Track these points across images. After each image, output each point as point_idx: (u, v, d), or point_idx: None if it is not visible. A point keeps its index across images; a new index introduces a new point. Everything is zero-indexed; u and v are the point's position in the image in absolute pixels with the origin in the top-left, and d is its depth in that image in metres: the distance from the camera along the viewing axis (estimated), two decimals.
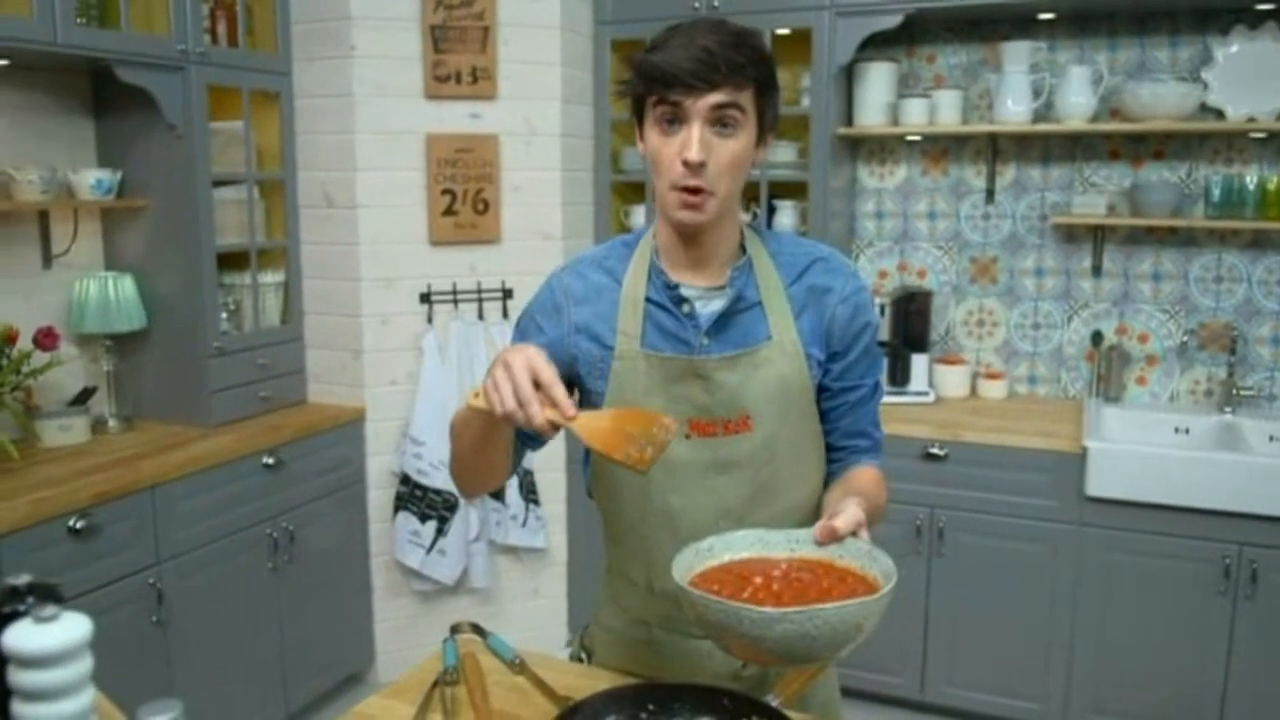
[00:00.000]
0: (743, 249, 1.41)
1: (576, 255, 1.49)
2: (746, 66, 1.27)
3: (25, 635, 0.75)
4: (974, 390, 3.50)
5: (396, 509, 3.29)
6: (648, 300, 1.39)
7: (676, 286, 1.38)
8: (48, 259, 2.91)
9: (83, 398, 2.89)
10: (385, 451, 3.33)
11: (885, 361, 1.45)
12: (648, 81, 1.29)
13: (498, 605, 3.46)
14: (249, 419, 3.10)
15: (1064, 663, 2.99)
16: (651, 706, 1.26)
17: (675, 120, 1.28)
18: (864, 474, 1.41)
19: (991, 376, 3.49)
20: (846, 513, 1.18)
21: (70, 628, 0.76)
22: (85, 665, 0.77)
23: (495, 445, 1.33)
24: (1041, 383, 3.52)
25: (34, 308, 2.86)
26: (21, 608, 0.79)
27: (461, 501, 3.27)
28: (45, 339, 2.63)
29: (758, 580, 1.16)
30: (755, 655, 1.09)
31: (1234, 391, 3.19)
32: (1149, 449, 2.87)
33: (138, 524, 2.55)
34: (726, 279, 1.38)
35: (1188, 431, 3.19)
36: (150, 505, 2.58)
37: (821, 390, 1.42)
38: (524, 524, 3.39)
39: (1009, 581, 3.02)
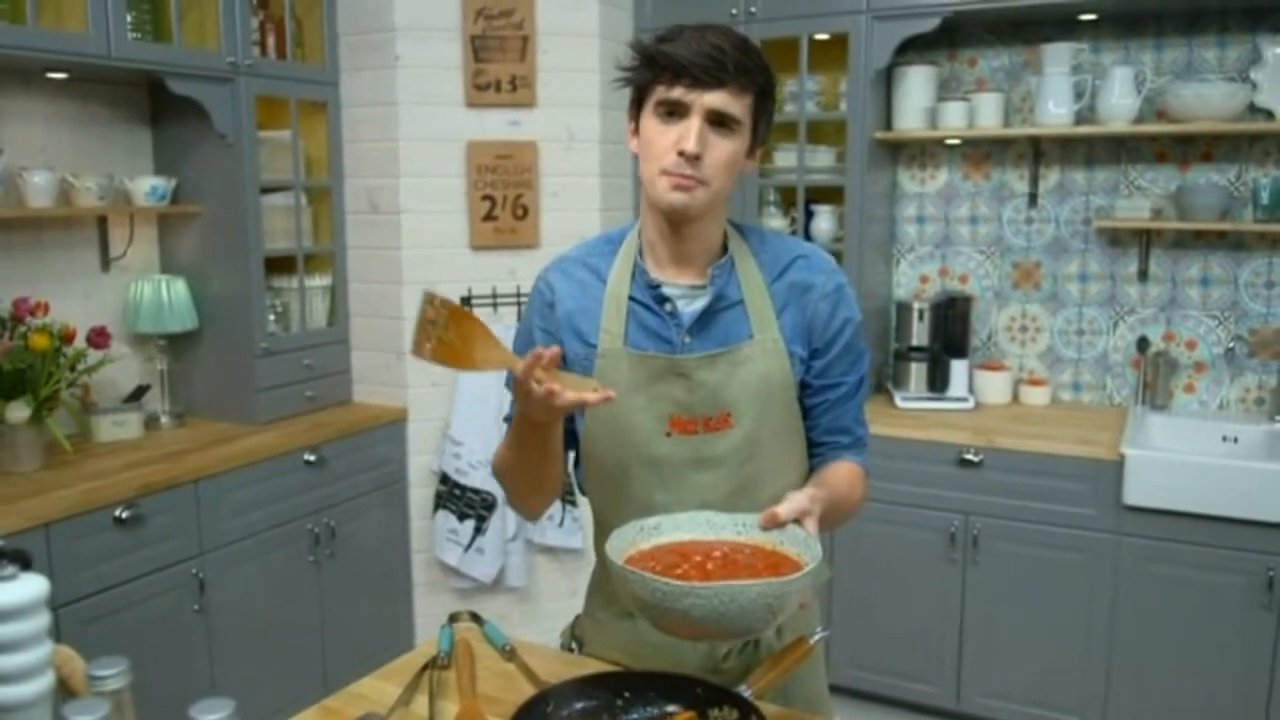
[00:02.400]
0: (725, 248, 1.44)
1: (562, 253, 1.52)
2: (753, 72, 1.30)
3: None
4: (1016, 397, 3.45)
5: (436, 507, 3.37)
6: (631, 299, 1.42)
7: (658, 286, 1.41)
8: (106, 262, 3.05)
9: (137, 395, 3.02)
10: (426, 451, 3.41)
11: (868, 359, 1.46)
12: (656, 69, 1.31)
13: (534, 604, 3.51)
14: (295, 417, 3.20)
15: (1101, 674, 2.93)
16: (626, 694, 1.29)
17: (675, 113, 1.31)
18: (840, 469, 1.42)
19: (1034, 383, 3.43)
20: (791, 501, 1.22)
21: (28, 586, 0.82)
22: (42, 620, 0.83)
23: (548, 460, 1.39)
24: (1086, 390, 3.45)
25: (92, 308, 3.00)
26: None
27: (499, 501, 3.33)
28: (97, 338, 2.75)
29: (696, 558, 1.20)
30: (687, 630, 1.13)
31: None
32: (1187, 457, 2.80)
33: (182, 516, 2.66)
34: (708, 278, 1.40)
35: (1236, 440, 3.10)
36: (194, 498, 2.69)
37: (804, 387, 1.43)
38: (560, 524, 3.43)
39: (1045, 590, 2.97)
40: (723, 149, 1.31)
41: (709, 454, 1.39)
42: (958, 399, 3.37)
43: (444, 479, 3.34)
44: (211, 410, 3.17)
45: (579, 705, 1.25)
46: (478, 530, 3.34)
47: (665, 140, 1.31)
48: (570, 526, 3.45)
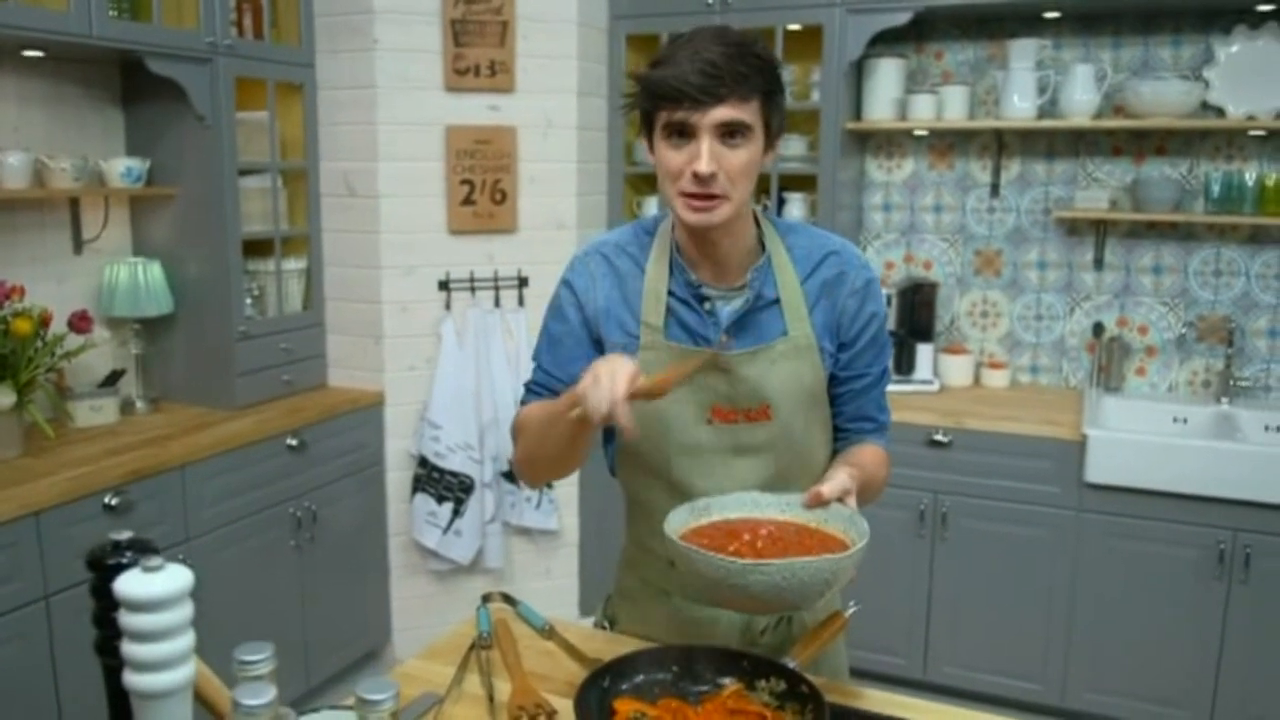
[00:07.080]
0: (761, 244, 1.47)
1: (599, 239, 1.54)
2: (751, 77, 1.30)
3: (135, 583, 0.84)
4: (977, 379, 3.59)
5: (414, 490, 3.38)
6: (670, 294, 1.45)
7: (699, 286, 1.44)
8: (79, 245, 2.99)
9: (112, 379, 2.98)
10: (404, 434, 3.42)
11: (891, 349, 1.54)
12: (654, 98, 1.33)
13: (511, 585, 3.55)
14: (271, 401, 3.19)
15: (1063, 644, 3.08)
16: (675, 667, 1.34)
17: (684, 134, 1.32)
18: (865, 450, 1.50)
19: (994, 366, 3.57)
20: (834, 480, 1.28)
21: (174, 577, 0.85)
22: (187, 610, 0.86)
23: (582, 445, 1.37)
24: (1043, 372, 3.60)
25: (66, 292, 2.94)
26: (124, 560, 0.88)
27: (477, 483, 3.36)
28: (80, 322, 2.71)
29: (745, 537, 1.27)
30: (742, 604, 1.20)
31: (1231, 382, 3.27)
32: (1147, 437, 2.95)
33: (168, 501, 2.64)
34: (746, 280, 1.44)
35: (1186, 421, 3.28)
36: (180, 484, 2.67)
37: (831, 378, 1.50)
38: (537, 506, 3.48)
39: (1010, 565, 3.11)
40: (737, 158, 1.32)
41: (749, 441, 1.45)
42: (923, 381, 3.49)
43: (422, 462, 3.36)
44: (187, 395, 3.14)
45: (638, 679, 1.31)
46: (456, 513, 3.36)
47: (679, 161, 1.33)
48: (547, 508, 3.50)
